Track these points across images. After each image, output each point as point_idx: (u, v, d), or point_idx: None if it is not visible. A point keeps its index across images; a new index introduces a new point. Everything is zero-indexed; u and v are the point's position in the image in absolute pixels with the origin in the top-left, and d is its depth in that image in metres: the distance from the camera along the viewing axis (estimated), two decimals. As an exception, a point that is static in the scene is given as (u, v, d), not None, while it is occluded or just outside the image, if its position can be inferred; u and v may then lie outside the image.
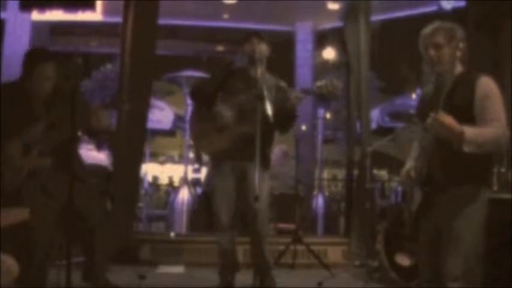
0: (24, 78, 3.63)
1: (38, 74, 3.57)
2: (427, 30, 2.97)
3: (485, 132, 2.76)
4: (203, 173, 8.29)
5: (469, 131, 2.72)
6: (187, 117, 7.82)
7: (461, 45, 2.87)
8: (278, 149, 7.07)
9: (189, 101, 7.33)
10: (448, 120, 2.74)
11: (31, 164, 3.50)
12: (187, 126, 7.89)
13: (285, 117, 4.09)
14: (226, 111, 4.13)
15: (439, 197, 2.88)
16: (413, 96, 10.08)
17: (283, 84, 4.25)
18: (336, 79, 4.08)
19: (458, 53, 2.86)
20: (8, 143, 3.45)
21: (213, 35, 10.65)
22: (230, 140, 4.11)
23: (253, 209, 4.00)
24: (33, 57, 3.65)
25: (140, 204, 7.88)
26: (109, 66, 12.15)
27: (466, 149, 2.72)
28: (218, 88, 4.23)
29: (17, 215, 2.83)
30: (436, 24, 2.97)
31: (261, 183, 4.01)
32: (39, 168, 3.51)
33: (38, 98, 3.63)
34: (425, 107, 2.94)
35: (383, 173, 10.72)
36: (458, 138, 2.72)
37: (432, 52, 2.91)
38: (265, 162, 4.09)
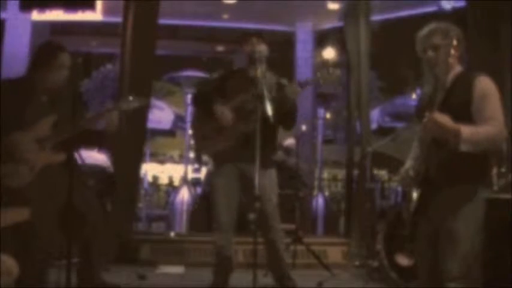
0: (35, 70, 3.63)
1: (58, 63, 3.60)
2: (424, 31, 2.97)
3: (481, 131, 2.76)
4: (203, 173, 8.29)
5: (465, 129, 2.72)
6: (187, 117, 7.85)
7: (455, 42, 2.85)
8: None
9: (189, 101, 7.36)
10: (444, 119, 2.74)
11: (45, 160, 3.49)
12: (187, 126, 7.91)
13: (286, 114, 4.10)
14: (224, 114, 4.13)
15: (437, 197, 2.88)
16: (414, 96, 10.08)
17: (283, 81, 4.23)
18: (332, 68, 4.09)
19: (453, 51, 2.85)
20: (21, 138, 3.44)
21: (213, 35, 10.66)
22: (231, 140, 4.11)
23: (262, 213, 4.01)
24: (52, 47, 3.69)
25: (140, 204, 7.88)
26: (109, 66, 12.16)
27: (463, 148, 2.72)
28: (218, 90, 4.24)
29: (17, 215, 2.83)
30: (432, 25, 2.97)
31: (266, 184, 4.03)
32: (49, 165, 3.51)
33: (46, 92, 3.63)
34: (424, 107, 2.94)
35: (383, 173, 10.71)
36: (455, 137, 2.73)
37: (431, 53, 2.91)
38: (268, 162, 4.09)
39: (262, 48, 4.13)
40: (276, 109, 3.83)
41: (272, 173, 4.26)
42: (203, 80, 6.56)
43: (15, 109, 3.50)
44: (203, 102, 4.31)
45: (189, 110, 7.59)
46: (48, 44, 3.87)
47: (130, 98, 3.77)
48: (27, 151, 3.44)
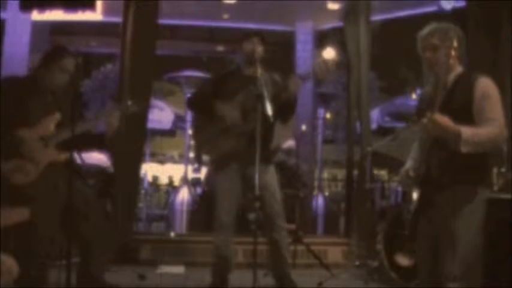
0: (39, 70, 3.65)
1: (60, 65, 3.62)
2: (424, 32, 2.98)
3: (482, 132, 2.77)
4: (203, 172, 8.29)
5: (465, 130, 2.72)
6: (187, 117, 7.85)
7: (455, 44, 2.85)
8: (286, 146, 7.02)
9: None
10: (444, 120, 2.74)
11: (50, 157, 3.49)
12: (187, 126, 7.91)
13: (285, 108, 4.11)
14: (231, 111, 4.13)
15: (437, 197, 2.88)
16: (414, 96, 10.08)
17: (276, 77, 4.25)
18: (331, 60, 4.10)
19: (454, 52, 2.85)
20: (26, 135, 3.44)
21: (213, 35, 10.66)
22: (234, 140, 4.12)
23: (266, 211, 4.01)
24: (56, 51, 3.71)
25: (140, 204, 7.88)
26: (109, 66, 12.16)
27: (464, 149, 2.72)
28: (215, 91, 4.24)
29: (18, 214, 2.82)
30: (432, 25, 2.98)
31: (269, 180, 4.05)
32: (52, 164, 3.51)
33: (49, 92, 3.64)
34: (425, 107, 2.94)
35: (383, 173, 10.72)
36: (455, 138, 2.73)
37: (429, 54, 2.92)
38: (269, 157, 4.11)
39: (259, 49, 4.16)
40: (274, 104, 3.85)
41: (272, 169, 4.27)
42: (200, 85, 6.55)
43: (19, 105, 3.51)
44: (202, 104, 4.31)
45: (189, 112, 7.59)
46: (56, 46, 3.90)
47: (130, 102, 3.79)
48: (32, 148, 3.44)
